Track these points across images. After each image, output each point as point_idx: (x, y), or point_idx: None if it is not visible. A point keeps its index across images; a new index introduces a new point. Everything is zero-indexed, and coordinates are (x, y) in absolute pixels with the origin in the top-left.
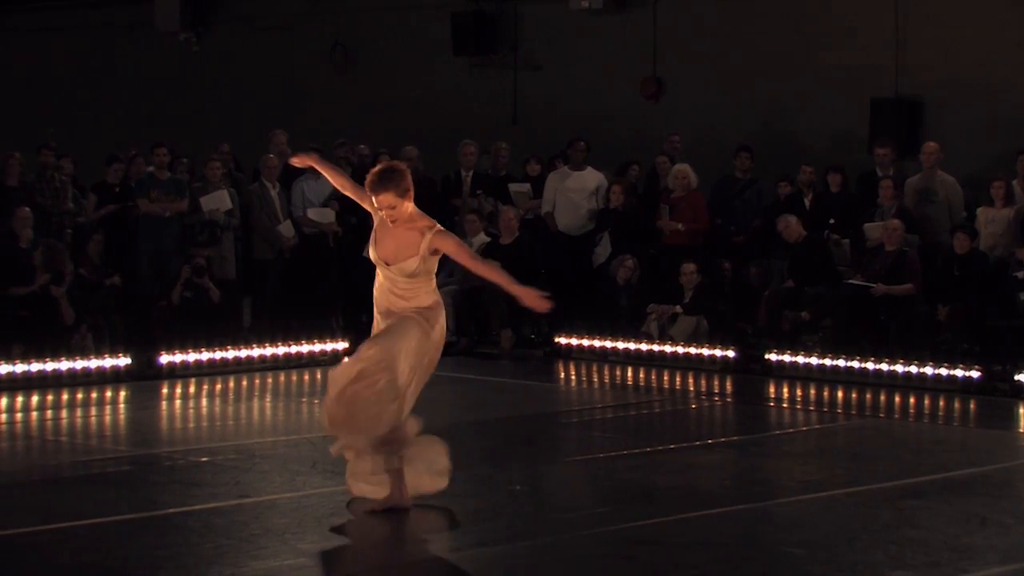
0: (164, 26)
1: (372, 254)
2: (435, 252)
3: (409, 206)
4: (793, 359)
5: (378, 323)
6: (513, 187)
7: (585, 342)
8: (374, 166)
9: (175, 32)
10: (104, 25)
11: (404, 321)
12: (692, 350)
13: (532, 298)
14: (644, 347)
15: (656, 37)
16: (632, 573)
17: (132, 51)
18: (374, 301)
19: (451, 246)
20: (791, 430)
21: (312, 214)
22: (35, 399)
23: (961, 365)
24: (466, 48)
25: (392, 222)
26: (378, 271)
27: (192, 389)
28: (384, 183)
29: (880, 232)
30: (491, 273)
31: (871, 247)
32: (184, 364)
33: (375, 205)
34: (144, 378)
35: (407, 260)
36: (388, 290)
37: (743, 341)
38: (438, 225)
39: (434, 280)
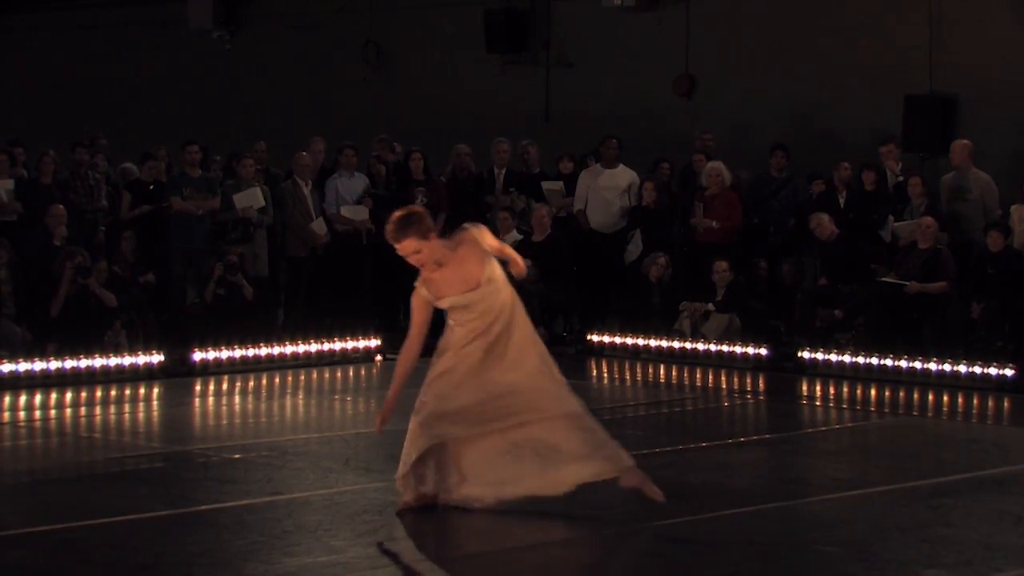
0: (197, 24)
1: (446, 303)
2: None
3: (434, 242)
4: (826, 357)
5: (475, 354)
6: (546, 185)
7: (617, 339)
8: (407, 164)
9: (208, 30)
10: (137, 23)
11: (521, 355)
12: (724, 348)
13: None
14: (676, 345)
15: (689, 34)
16: (664, 571)
17: (165, 49)
18: (457, 342)
19: (489, 237)
20: (824, 428)
21: (346, 211)
22: (69, 396)
23: (995, 363)
24: (498, 46)
25: (422, 266)
26: (461, 312)
27: (225, 386)
28: (405, 230)
29: (910, 231)
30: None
31: (903, 245)
32: (217, 361)
33: (403, 252)
34: (177, 375)
35: (481, 279)
36: (485, 311)
37: (776, 339)
38: (467, 229)
39: (498, 267)
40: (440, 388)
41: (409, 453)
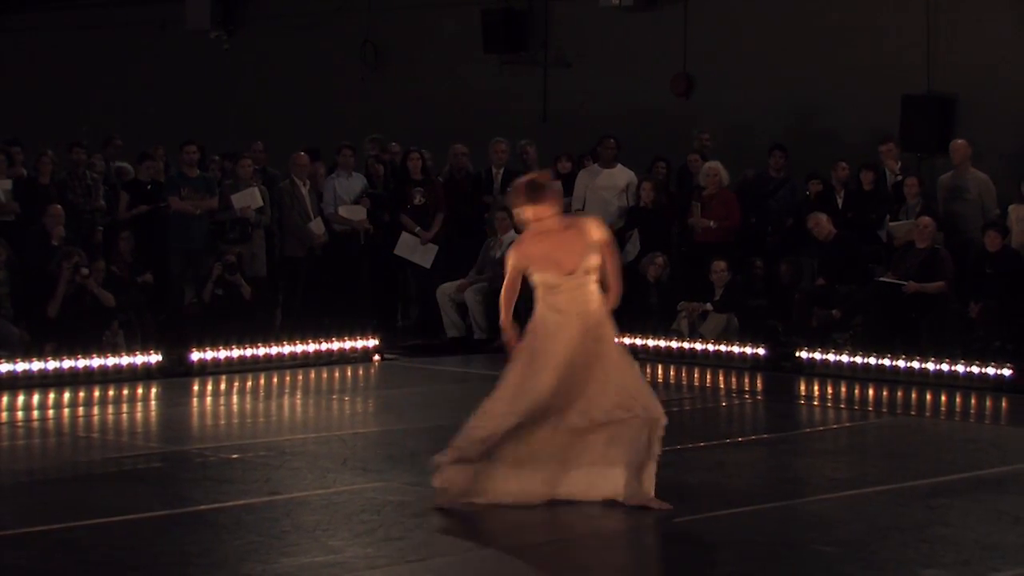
0: (195, 24)
1: (548, 276)
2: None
3: (555, 216)
4: (824, 357)
5: (574, 343)
6: None
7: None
8: (405, 164)
9: (206, 30)
10: (135, 23)
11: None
12: (723, 348)
13: None
14: (675, 344)
15: (686, 34)
16: (662, 571)
17: (163, 49)
18: (551, 326)
19: (600, 233)
20: (822, 428)
21: (344, 211)
22: (67, 396)
23: (993, 363)
24: (496, 46)
25: (524, 244)
26: (551, 292)
27: (223, 386)
28: (538, 192)
29: (905, 231)
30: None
31: (898, 245)
32: (215, 361)
33: (528, 217)
34: (175, 375)
35: (586, 257)
36: (576, 299)
37: (774, 339)
38: (586, 218)
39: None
40: (522, 372)
41: (476, 428)
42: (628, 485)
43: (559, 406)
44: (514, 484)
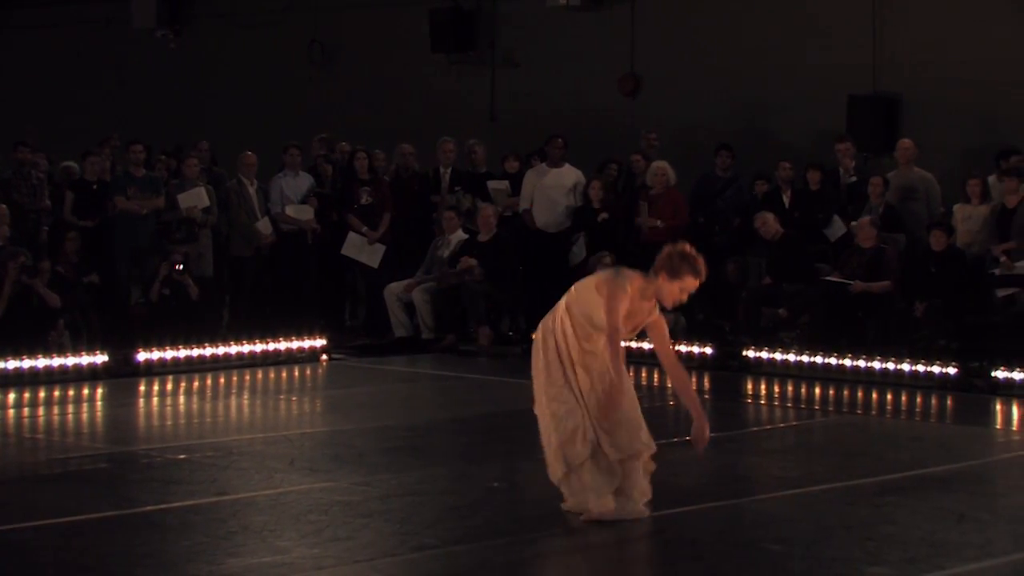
0: (141, 23)
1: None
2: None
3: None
4: (771, 356)
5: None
6: (492, 184)
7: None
8: (352, 164)
9: (152, 29)
10: (80, 22)
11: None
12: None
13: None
14: (621, 344)
15: (634, 34)
16: (609, 569)
17: (108, 48)
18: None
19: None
20: (769, 427)
21: (291, 211)
22: (11, 396)
23: (938, 361)
24: (444, 45)
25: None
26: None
27: (169, 386)
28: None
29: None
30: (677, 380)
31: (855, 245)
32: (162, 361)
33: (687, 290)
34: (121, 375)
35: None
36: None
37: (721, 338)
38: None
39: None
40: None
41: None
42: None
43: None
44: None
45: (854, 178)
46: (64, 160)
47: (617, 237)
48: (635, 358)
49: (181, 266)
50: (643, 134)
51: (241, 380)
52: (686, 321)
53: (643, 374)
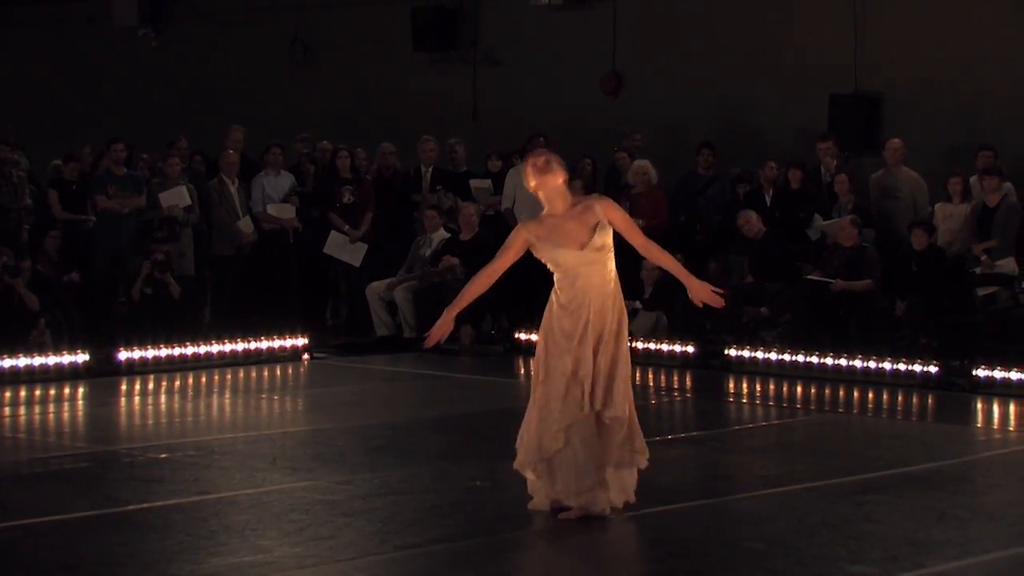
0: (122, 21)
1: (562, 254)
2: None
3: (563, 189)
4: (753, 355)
5: (588, 325)
6: (474, 183)
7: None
8: (333, 163)
9: (133, 27)
10: (61, 20)
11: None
12: (652, 346)
13: (706, 293)
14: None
15: (616, 33)
16: (591, 568)
17: (90, 46)
18: (573, 305)
19: (620, 214)
20: (750, 425)
21: (272, 210)
22: None
23: (919, 360)
24: (426, 44)
25: (550, 204)
26: (566, 273)
27: (151, 386)
28: (551, 164)
29: (835, 229)
30: (667, 261)
31: (831, 243)
32: (143, 360)
33: (536, 190)
34: (103, 374)
35: (596, 235)
36: (589, 277)
37: (703, 337)
38: (599, 197)
39: (610, 243)
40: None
41: (546, 447)
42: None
43: (584, 391)
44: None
45: (835, 177)
46: (43, 159)
47: None
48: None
49: (163, 260)
50: (628, 134)
51: (223, 379)
52: (668, 320)
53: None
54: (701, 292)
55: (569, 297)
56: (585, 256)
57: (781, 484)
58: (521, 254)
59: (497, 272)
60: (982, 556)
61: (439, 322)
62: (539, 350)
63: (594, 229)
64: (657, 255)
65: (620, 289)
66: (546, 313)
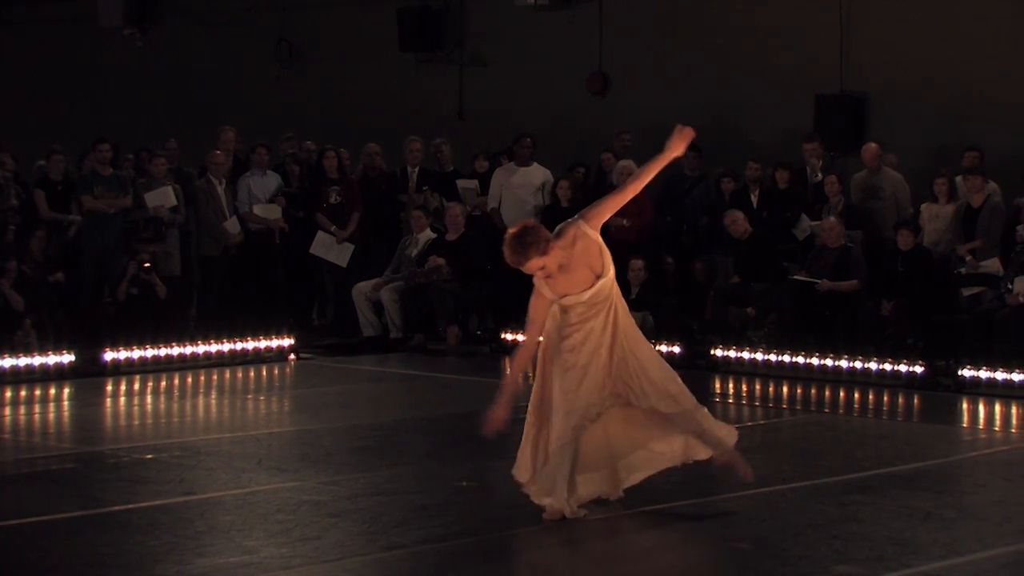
0: (108, 21)
1: (568, 300)
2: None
3: (555, 254)
4: (738, 355)
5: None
6: (460, 183)
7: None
8: (320, 163)
9: (119, 27)
10: (47, 20)
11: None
12: None
13: (682, 138)
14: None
15: (602, 33)
16: (576, 568)
17: (75, 46)
18: (572, 338)
19: (595, 219)
20: (736, 425)
21: (258, 210)
22: None
23: (905, 360)
24: (412, 44)
25: (548, 278)
26: (562, 313)
27: (137, 386)
28: (526, 251)
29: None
30: (646, 174)
31: (820, 244)
32: (129, 361)
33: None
34: (89, 375)
35: (600, 271)
36: (594, 306)
37: (689, 337)
38: (576, 223)
39: (606, 249)
40: (567, 384)
41: (561, 464)
42: (700, 446)
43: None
44: (583, 490)
45: (820, 177)
46: (29, 159)
47: None
48: None
49: (149, 264)
50: (617, 134)
51: (209, 380)
52: (654, 320)
53: None
54: (680, 143)
55: (577, 341)
56: (599, 284)
57: (767, 484)
58: (549, 310)
59: (533, 343)
60: (968, 556)
61: (506, 398)
62: (537, 377)
63: (599, 254)
64: (640, 180)
65: (617, 288)
66: (541, 354)
